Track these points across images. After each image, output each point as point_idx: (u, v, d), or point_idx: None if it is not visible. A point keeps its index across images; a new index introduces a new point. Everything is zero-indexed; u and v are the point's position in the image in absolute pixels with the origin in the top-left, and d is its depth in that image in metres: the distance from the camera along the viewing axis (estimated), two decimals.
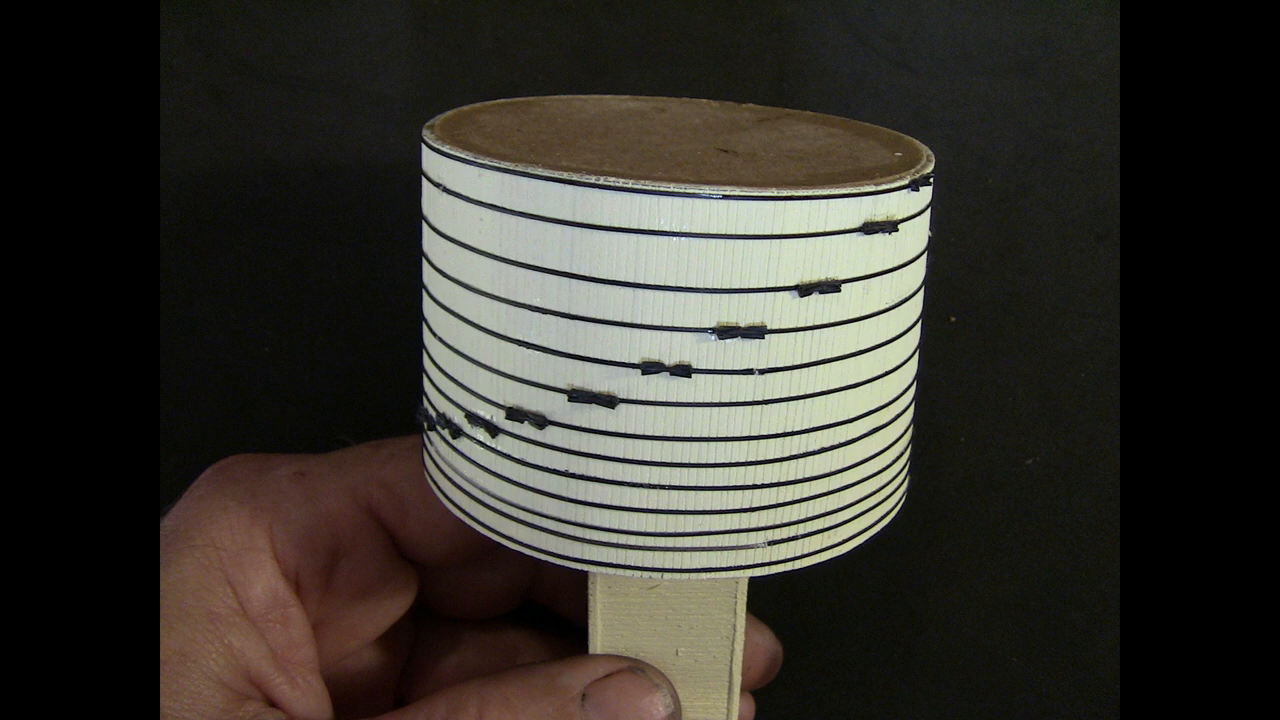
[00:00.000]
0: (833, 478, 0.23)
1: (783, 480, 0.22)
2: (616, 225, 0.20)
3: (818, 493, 0.23)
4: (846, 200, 0.21)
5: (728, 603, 0.26)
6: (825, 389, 0.22)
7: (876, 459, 0.24)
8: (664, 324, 0.21)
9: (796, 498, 0.22)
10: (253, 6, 0.34)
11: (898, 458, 0.25)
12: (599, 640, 0.26)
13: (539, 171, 0.20)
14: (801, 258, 0.21)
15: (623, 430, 0.21)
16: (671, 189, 0.20)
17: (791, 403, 0.21)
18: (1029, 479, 0.36)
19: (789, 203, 0.20)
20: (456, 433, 0.24)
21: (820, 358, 0.21)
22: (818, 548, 0.23)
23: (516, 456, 0.22)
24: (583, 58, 0.34)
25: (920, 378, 0.26)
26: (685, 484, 0.22)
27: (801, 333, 0.21)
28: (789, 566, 0.23)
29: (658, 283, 0.20)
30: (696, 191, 0.20)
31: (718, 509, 0.22)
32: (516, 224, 0.21)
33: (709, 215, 0.20)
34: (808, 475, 0.22)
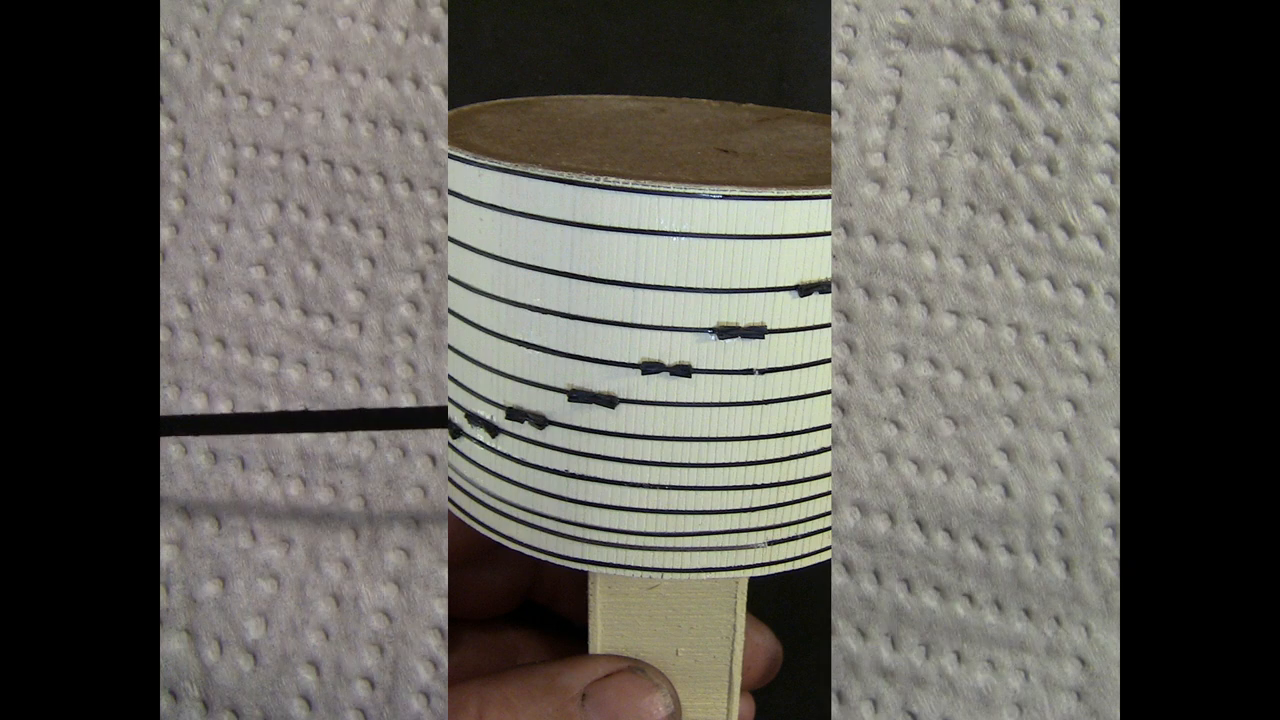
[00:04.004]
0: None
1: (783, 480, 0.22)
2: (616, 225, 0.20)
3: (818, 493, 0.23)
4: None
5: (728, 603, 0.26)
6: (825, 389, 0.22)
7: None
8: (664, 324, 0.21)
9: (796, 498, 0.22)
10: None
11: None
12: (599, 640, 0.26)
13: (539, 171, 0.20)
14: (801, 258, 0.21)
15: (623, 430, 0.21)
16: (671, 189, 0.20)
17: (791, 403, 0.21)
18: None
19: (789, 203, 0.20)
20: (456, 433, 0.24)
21: (820, 358, 0.21)
22: (818, 548, 0.23)
23: (516, 456, 0.22)
24: (583, 58, 0.34)
25: None
26: (685, 484, 0.22)
27: (801, 333, 0.21)
28: (789, 566, 0.23)
29: (658, 283, 0.20)
30: (696, 191, 0.20)
31: (718, 509, 0.22)
32: (516, 224, 0.21)
33: (709, 215, 0.20)
34: (808, 475, 0.22)
